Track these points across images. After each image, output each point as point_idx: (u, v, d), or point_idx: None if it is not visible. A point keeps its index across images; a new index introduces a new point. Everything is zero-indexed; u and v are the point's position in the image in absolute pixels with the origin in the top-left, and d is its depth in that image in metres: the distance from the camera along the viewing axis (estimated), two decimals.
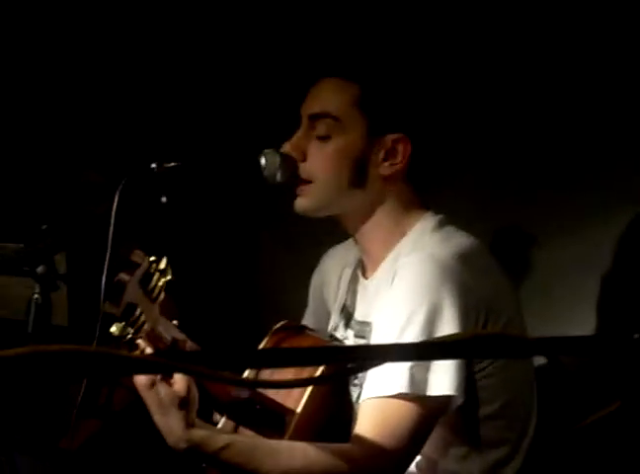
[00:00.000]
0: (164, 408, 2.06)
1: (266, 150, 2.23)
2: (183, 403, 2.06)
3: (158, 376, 2.04)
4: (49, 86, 4.13)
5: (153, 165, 2.17)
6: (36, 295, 2.35)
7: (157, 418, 2.08)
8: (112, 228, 2.07)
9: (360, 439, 2.13)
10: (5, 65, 4.11)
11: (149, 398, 2.08)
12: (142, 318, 2.08)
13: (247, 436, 2.22)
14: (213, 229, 3.62)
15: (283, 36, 3.50)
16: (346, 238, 2.48)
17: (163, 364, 1.21)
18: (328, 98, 2.33)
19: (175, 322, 2.24)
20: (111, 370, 1.27)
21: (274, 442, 2.18)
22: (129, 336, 2.03)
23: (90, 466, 2.60)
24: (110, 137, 3.91)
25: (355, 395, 2.31)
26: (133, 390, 2.22)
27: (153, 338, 2.11)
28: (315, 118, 2.31)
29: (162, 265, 2.16)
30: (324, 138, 2.32)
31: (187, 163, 2.21)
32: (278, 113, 3.36)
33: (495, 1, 3.13)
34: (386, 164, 2.29)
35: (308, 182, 2.32)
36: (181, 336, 2.22)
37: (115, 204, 2.08)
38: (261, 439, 2.19)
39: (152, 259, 2.17)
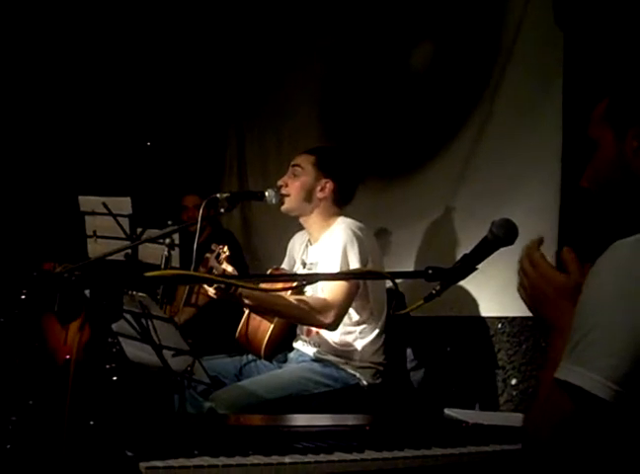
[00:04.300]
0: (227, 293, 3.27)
1: (269, 188, 3.59)
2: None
3: None
4: None
5: (217, 195, 3.44)
6: (165, 253, 4.01)
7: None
8: (198, 226, 3.24)
9: (324, 297, 3.37)
10: None
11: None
12: (214, 270, 3.36)
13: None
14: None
15: None
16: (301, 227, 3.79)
17: (223, 280, 2.68)
18: (301, 159, 3.65)
19: (231, 269, 3.34)
20: (200, 280, 2.80)
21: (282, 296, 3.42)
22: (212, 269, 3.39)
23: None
24: None
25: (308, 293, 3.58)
26: (208, 296, 3.55)
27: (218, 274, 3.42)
28: (293, 166, 3.64)
29: (225, 249, 3.37)
30: (295, 177, 3.61)
31: (233, 194, 3.47)
32: None
33: None
34: (320, 192, 3.58)
35: (287, 196, 3.57)
36: (231, 272, 3.50)
37: (200, 214, 3.28)
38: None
39: (220, 246, 3.38)
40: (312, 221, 3.65)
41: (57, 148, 5.57)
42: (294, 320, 3.58)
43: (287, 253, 3.89)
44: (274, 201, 3.57)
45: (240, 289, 3.26)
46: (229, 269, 3.38)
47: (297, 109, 5.32)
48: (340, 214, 3.63)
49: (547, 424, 1.48)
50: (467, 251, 2.04)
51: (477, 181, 4.04)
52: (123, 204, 4.30)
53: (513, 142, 3.88)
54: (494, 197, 3.88)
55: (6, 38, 5.30)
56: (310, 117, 5.17)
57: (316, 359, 3.53)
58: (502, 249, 2.01)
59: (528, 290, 1.72)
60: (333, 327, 3.42)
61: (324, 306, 3.36)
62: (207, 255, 3.39)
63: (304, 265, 3.72)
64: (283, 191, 3.59)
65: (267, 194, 3.55)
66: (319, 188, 3.59)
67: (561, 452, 1.47)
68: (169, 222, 4.17)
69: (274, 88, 5.54)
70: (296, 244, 3.83)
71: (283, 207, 3.61)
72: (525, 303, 1.73)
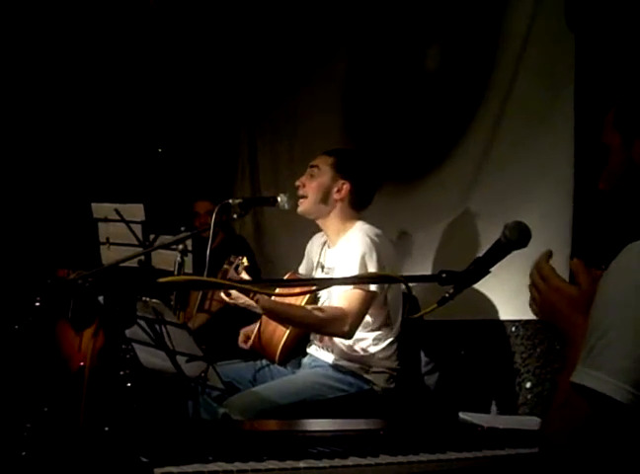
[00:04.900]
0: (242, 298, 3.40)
1: (281, 194, 3.57)
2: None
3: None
4: None
5: (230, 201, 3.51)
6: (178, 259, 4.01)
7: (242, 302, 3.37)
8: (211, 232, 3.33)
9: (340, 306, 3.37)
10: None
11: (239, 298, 3.42)
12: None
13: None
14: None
15: None
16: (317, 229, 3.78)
17: (236, 286, 2.75)
18: (319, 160, 3.65)
19: (248, 277, 3.42)
20: (213, 286, 2.75)
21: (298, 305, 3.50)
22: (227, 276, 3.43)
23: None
24: None
25: (321, 301, 3.62)
26: (221, 302, 3.70)
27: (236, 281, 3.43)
28: (312, 167, 3.64)
29: (244, 260, 3.45)
30: (312, 177, 3.60)
31: (245, 200, 3.55)
32: None
33: None
34: (337, 194, 3.56)
35: (305, 197, 3.59)
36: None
37: (213, 220, 3.35)
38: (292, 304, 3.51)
39: (239, 258, 3.47)
40: (330, 223, 3.64)
41: (70, 155, 5.60)
42: (310, 329, 3.58)
43: (306, 254, 3.88)
44: (286, 207, 3.56)
45: (257, 296, 3.27)
46: (247, 278, 3.36)
47: (310, 113, 5.32)
48: (358, 218, 3.61)
49: (564, 428, 1.48)
50: (482, 254, 2.02)
51: (490, 184, 4.04)
52: (136, 211, 4.31)
53: (525, 146, 3.87)
54: (507, 200, 3.88)
55: (20, 47, 5.35)
56: (324, 121, 5.17)
57: (330, 365, 3.52)
58: (515, 252, 2.01)
59: (540, 304, 1.71)
60: (348, 336, 3.41)
61: (340, 315, 3.36)
62: (226, 266, 3.41)
63: (322, 268, 3.72)
64: (300, 191, 3.60)
65: (279, 199, 3.54)
66: (336, 189, 3.58)
67: (578, 456, 1.47)
68: (182, 228, 4.19)
69: (285, 93, 5.55)
70: (315, 245, 3.83)
71: (300, 210, 3.62)
72: (538, 317, 1.73)
